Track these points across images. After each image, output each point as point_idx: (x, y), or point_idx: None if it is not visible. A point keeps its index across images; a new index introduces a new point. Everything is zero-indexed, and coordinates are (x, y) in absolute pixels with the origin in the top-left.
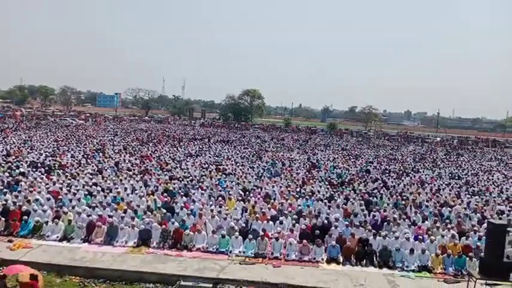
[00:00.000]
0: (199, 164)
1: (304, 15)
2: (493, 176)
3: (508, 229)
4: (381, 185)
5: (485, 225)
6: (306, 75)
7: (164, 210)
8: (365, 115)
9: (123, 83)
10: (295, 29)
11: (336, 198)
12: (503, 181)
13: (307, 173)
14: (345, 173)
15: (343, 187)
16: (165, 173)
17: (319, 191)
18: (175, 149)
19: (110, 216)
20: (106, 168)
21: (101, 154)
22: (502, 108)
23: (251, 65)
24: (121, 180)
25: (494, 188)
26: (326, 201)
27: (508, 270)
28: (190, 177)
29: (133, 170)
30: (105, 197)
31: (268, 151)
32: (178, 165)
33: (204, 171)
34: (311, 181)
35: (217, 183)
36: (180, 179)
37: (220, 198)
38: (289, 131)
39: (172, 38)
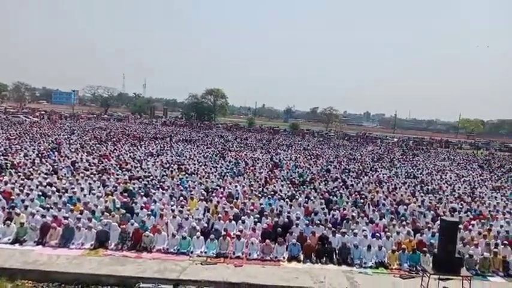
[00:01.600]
0: (160, 163)
1: (266, 14)
2: (446, 175)
3: (459, 226)
4: (341, 184)
5: (438, 222)
6: (269, 76)
7: (123, 211)
8: (326, 116)
9: (81, 80)
10: (259, 29)
11: (297, 197)
12: (455, 180)
13: (269, 172)
14: (306, 172)
15: (305, 186)
16: (125, 172)
17: (281, 190)
18: (135, 148)
19: (65, 218)
20: (62, 167)
21: (56, 153)
22: (455, 110)
23: (214, 64)
24: (77, 180)
25: (447, 187)
26: (288, 200)
27: (459, 265)
28: (151, 177)
29: (91, 169)
30: (60, 197)
31: (232, 151)
32: (138, 165)
33: (165, 171)
34: (273, 180)
35: (179, 183)
36: (140, 178)
37: (182, 198)
38: (253, 130)
39: (133, 35)
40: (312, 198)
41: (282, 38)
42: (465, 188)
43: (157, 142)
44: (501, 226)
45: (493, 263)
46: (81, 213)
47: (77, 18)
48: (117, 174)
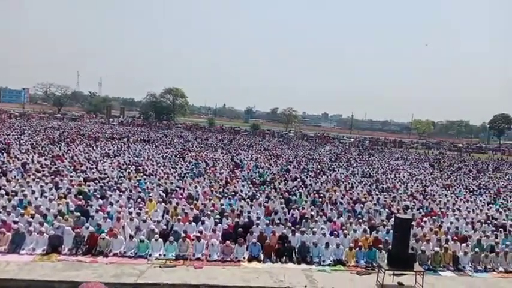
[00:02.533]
0: (117, 164)
1: (227, 14)
2: (399, 174)
3: (412, 223)
4: (300, 184)
5: (392, 219)
6: (230, 76)
7: (78, 214)
8: (286, 116)
9: (32, 78)
10: (219, 29)
11: (257, 197)
12: (408, 179)
13: (230, 172)
14: (266, 172)
15: (265, 186)
16: (79, 174)
17: (241, 191)
18: (90, 148)
19: (15, 222)
20: (11, 169)
21: (5, 154)
22: (407, 112)
23: (174, 63)
24: (28, 182)
25: (400, 185)
26: (248, 200)
27: (412, 260)
28: (107, 179)
29: (43, 171)
30: (10, 200)
31: (192, 151)
32: (94, 166)
33: (122, 172)
34: (234, 181)
35: (136, 184)
36: (96, 180)
37: (139, 200)
38: (213, 131)
39: (88, 31)
40: (272, 198)
41: (242, 39)
42: (417, 186)
43: (113, 142)
44: (451, 223)
45: (444, 258)
46: (32, 217)
47: (29, 12)
48: (71, 176)
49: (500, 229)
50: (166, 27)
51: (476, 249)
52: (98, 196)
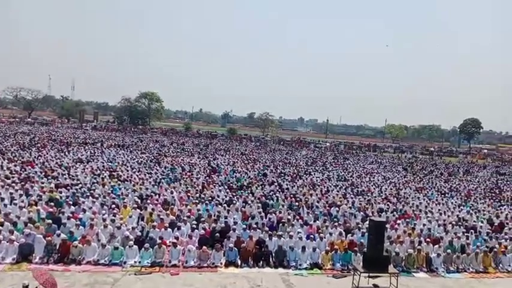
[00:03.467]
0: (90, 170)
1: (203, 16)
2: (373, 178)
3: (386, 225)
4: (277, 188)
5: (367, 222)
6: (207, 81)
7: (49, 221)
8: (262, 121)
9: (0, 81)
10: (195, 33)
11: (235, 201)
12: (382, 182)
13: (207, 177)
14: (243, 177)
15: (242, 191)
16: (51, 180)
17: (218, 196)
18: (62, 154)
19: None
20: None
21: None
22: (381, 116)
23: (149, 67)
24: None
25: (374, 189)
26: (225, 205)
27: (386, 262)
28: (80, 185)
29: (13, 177)
30: None
31: (168, 156)
32: (66, 172)
33: (95, 178)
34: (211, 186)
35: (110, 190)
36: (68, 186)
37: (113, 206)
38: (190, 135)
39: (61, 33)
40: (249, 202)
41: (219, 43)
42: (391, 189)
43: (87, 148)
44: (424, 225)
45: (417, 259)
46: (1, 225)
47: None
48: (42, 183)
49: (471, 230)
50: (141, 30)
51: (448, 251)
52: (70, 203)
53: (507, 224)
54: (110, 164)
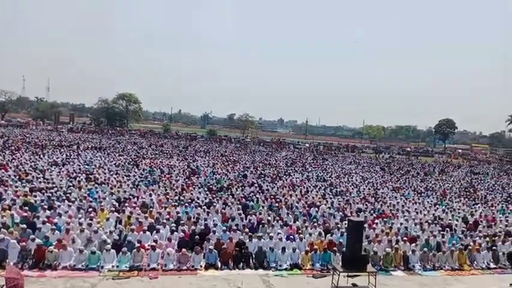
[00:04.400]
0: (66, 173)
1: (181, 16)
2: (352, 178)
3: (364, 225)
4: (257, 189)
5: (346, 222)
6: (186, 82)
7: (23, 226)
8: (242, 122)
9: None
10: (173, 33)
11: (214, 203)
12: (361, 182)
13: (186, 179)
14: (223, 178)
15: (222, 192)
16: (25, 184)
17: (198, 198)
18: (37, 157)
19: None
20: None
21: None
22: (359, 117)
23: (127, 68)
24: None
25: (353, 189)
26: (205, 207)
27: (365, 262)
28: (56, 188)
29: None
30: None
31: (146, 158)
32: (41, 175)
33: (72, 181)
34: (190, 188)
35: (87, 194)
36: (43, 190)
37: (90, 210)
38: (169, 137)
39: (35, 33)
40: (230, 204)
41: (197, 43)
42: (369, 189)
43: (62, 150)
44: (401, 224)
45: (394, 258)
46: None
47: None
48: (16, 186)
49: (447, 229)
50: (118, 30)
51: (425, 249)
52: (46, 207)
53: (481, 222)
54: (86, 166)
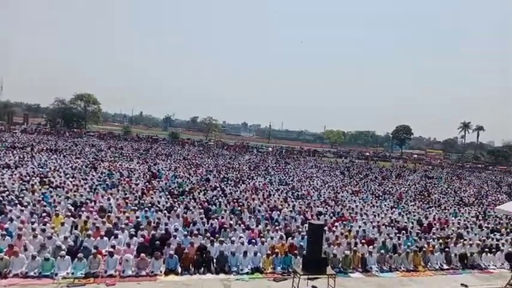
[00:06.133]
0: (18, 176)
1: (145, 17)
2: (313, 182)
3: (324, 228)
4: (220, 193)
5: (307, 225)
6: (148, 83)
7: None
8: (206, 125)
9: None
10: (137, 33)
11: (176, 208)
12: (321, 186)
13: (147, 183)
14: (185, 182)
15: (184, 196)
16: None
17: (159, 202)
18: None
19: None
20: None
21: None
22: (320, 122)
23: (85, 67)
24: None
25: (314, 192)
26: (166, 211)
27: (325, 264)
28: (7, 192)
29: None
30: None
31: (105, 161)
32: None
33: (24, 185)
34: (151, 192)
35: (41, 197)
36: None
37: (44, 214)
38: (129, 139)
39: None
40: (191, 208)
41: (161, 44)
42: (329, 192)
43: (15, 152)
44: (359, 226)
45: (353, 260)
46: None
47: None
48: None
49: (402, 231)
50: (75, 27)
51: (382, 251)
52: None
53: (435, 224)
54: (40, 169)
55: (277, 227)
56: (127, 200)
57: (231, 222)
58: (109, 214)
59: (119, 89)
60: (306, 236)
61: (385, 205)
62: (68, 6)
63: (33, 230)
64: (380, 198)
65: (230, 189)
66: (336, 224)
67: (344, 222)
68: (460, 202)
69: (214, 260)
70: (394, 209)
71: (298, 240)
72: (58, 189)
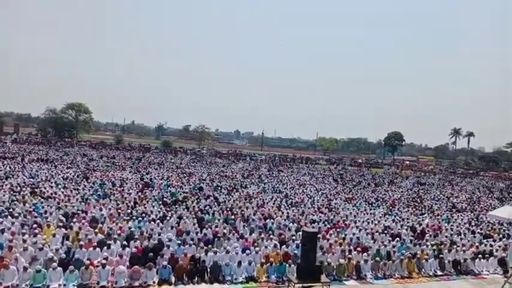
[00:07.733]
0: (9, 187)
1: (135, 23)
2: (306, 189)
3: (318, 236)
4: (213, 202)
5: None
6: (140, 92)
7: None
8: (198, 134)
9: None
10: (127, 40)
11: (169, 217)
12: (315, 193)
13: (139, 193)
14: (178, 191)
15: (177, 206)
16: None
17: (152, 212)
18: None
19: None
20: None
21: None
22: (313, 130)
23: (77, 77)
24: None
25: (307, 200)
26: (159, 221)
27: (319, 272)
28: None
29: None
30: None
31: (97, 170)
32: None
33: (15, 195)
34: (144, 201)
35: (32, 208)
36: None
37: (35, 225)
38: (121, 148)
39: None
40: (185, 217)
41: (152, 52)
42: (323, 200)
43: (5, 162)
44: (353, 234)
45: (347, 268)
46: None
47: None
48: None
49: (396, 238)
50: (66, 35)
51: (376, 258)
52: None
53: (428, 231)
54: (31, 180)
55: (271, 236)
56: (119, 210)
57: (225, 231)
58: (101, 225)
59: (110, 98)
60: (300, 244)
61: (378, 212)
62: (56, 16)
63: (24, 241)
64: (373, 205)
65: (223, 198)
66: (330, 231)
67: (338, 230)
68: (453, 208)
69: (208, 270)
70: (387, 216)
71: (293, 249)
72: (49, 199)
